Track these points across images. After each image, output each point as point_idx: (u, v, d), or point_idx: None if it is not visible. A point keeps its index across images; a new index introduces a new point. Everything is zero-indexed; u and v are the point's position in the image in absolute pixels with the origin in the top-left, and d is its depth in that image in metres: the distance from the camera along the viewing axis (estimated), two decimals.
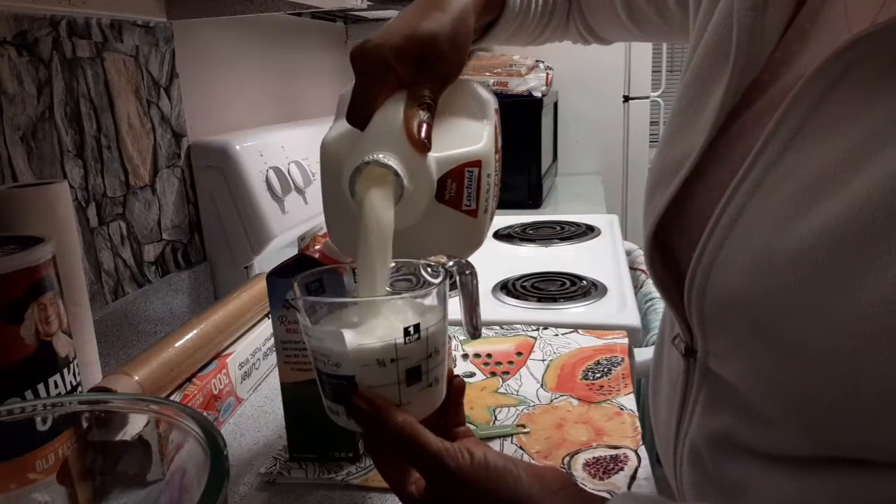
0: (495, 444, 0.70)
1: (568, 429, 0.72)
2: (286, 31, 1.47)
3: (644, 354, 0.92)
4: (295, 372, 0.65)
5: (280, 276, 0.64)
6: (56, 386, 0.56)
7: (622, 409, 0.75)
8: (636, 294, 1.23)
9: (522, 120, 1.78)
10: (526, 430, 0.72)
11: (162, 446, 0.41)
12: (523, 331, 0.97)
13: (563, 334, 0.95)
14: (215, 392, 0.75)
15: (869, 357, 0.34)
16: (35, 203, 0.67)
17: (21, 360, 0.53)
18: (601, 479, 0.63)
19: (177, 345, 0.74)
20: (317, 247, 0.65)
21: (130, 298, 0.97)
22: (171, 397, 0.70)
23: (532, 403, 0.77)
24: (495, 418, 0.75)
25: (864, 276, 0.34)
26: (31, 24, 0.80)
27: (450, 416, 0.49)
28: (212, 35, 1.19)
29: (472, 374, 0.85)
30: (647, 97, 2.31)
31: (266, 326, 0.89)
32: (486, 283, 1.16)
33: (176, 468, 0.40)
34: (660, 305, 1.21)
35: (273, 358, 0.90)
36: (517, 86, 1.77)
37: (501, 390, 0.81)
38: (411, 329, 0.42)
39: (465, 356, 0.90)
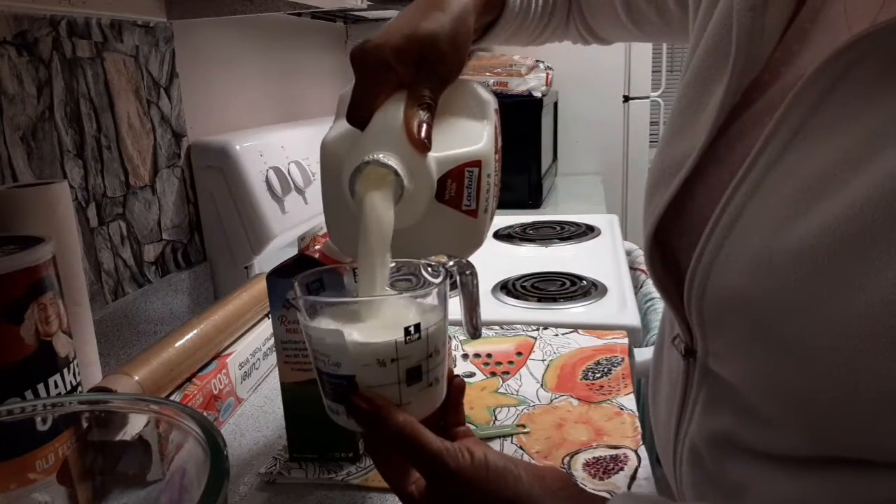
0: (495, 444, 0.70)
1: (568, 429, 0.72)
2: (286, 31, 1.47)
3: (644, 354, 0.92)
4: (295, 372, 0.65)
5: (280, 276, 0.64)
6: (56, 386, 0.56)
7: (622, 409, 0.75)
8: (636, 294, 1.23)
9: (522, 120, 1.78)
10: (526, 430, 0.72)
11: (162, 446, 0.41)
12: (523, 331, 0.97)
13: (563, 334, 0.95)
14: (215, 392, 0.75)
15: (869, 357, 0.34)
16: (35, 203, 0.67)
17: (21, 360, 0.53)
18: (601, 479, 0.63)
19: (177, 345, 0.74)
20: (317, 247, 0.65)
21: (130, 298, 0.97)
22: (171, 397, 0.70)
23: (532, 403, 0.77)
24: (495, 418, 0.75)
25: (864, 276, 0.34)
26: (31, 24, 0.80)
27: (450, 415, 0.49)
28: (212, 35, 1.19)
29: (472, 374, 0.85)
30: (647, 97, 2.31)
31: (266, 326, 0.89)
32: (486, 283, 1.16)
33: (176, 468, 0.40)
34: (660, 305, 1.21)
35: (273, 358, 0.90)
36: (517, 86, 1.77)
37: (501, 390, 0.81)
38: (412, 329, 0.42)
39: (465, 356, 0.90)
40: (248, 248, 1.15)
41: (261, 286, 0.90)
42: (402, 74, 0.51)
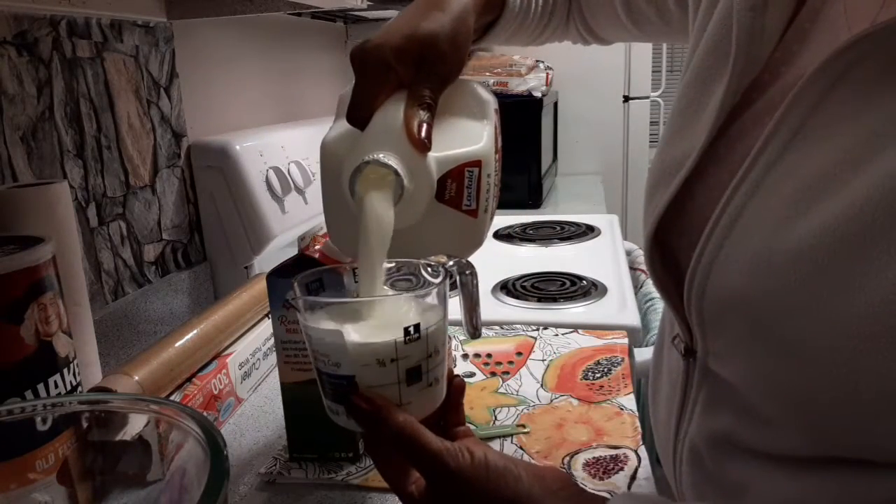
0: (495, 444, 0.70)
1: (568, 429, 0.72)
2: (286, 31, 1.47)
3: (644, 354, 0.92)
4: (295, 372, 0.65)
5: (280, 276, 0.64)
6: (56, 386, 0.56)
7: (622, 409, 0.75)
8: (636, 294, 1.23)
9: (522, 120, 1.78)
10: (526, 430, 0.72)
11: (162, 446, 0.41)
12: (523, 331, 0.97)
13: (563, 334, 0.95)
14: (215, 392, 0.75)
15: (869, 357, 0.34)
16: (35, 203, 0.67)
17: (21, 360, 0.53)
18: (601, 479, 0.63)
19: (177, 345, 0.74)
20: (317, 247, 0.65)
21: (130, 298, 0.97)
22: (171, 397, 0.70)
23: (532, 403, 0.77)
24: (495, 418, 0.75)
25: (863, 276, 0.34)
26: (31, 24, 0.80)
27: (450, 415, 0.49)
28: (212, 35, 1.19)
29: (472, 374, 0.85)
30: (647, 97, 2.31)
31: (266, 326, 0.89)
32: (486, 283, 1.16)
33: (176, 468, 0.40)
34: (660, 305, 1.21)
35: (273, 358, 0.90)
36: (517, 86, 1.77)
37: (501, 390, 0.81)
38: (411, 329, 0.42)
39: (465, 356, 0.90)
40: (248, 248, 1.15)
41: (261, 286, 0.90)
42: (402, 74, 0.51)
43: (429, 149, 0.49)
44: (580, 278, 1.17)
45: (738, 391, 0.43)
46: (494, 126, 0.54)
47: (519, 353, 0.90)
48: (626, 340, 0.92)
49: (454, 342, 0.93)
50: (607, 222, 1.56)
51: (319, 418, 0.65)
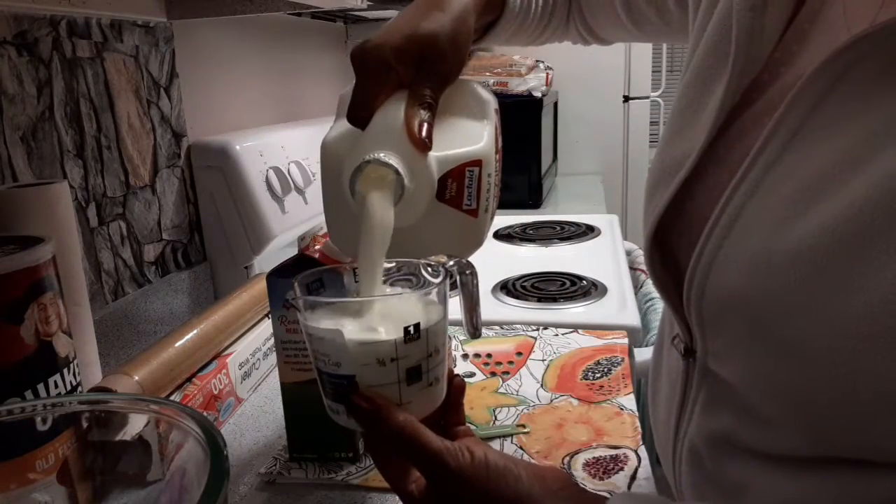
0: (495, 444, 0.70)
1: (568, 429, 0.72)
2: (286, 31, 1.47)
3: (644, 354, 0.92)
4: (295, 372, 0.65)
5: (280, 276, 0.64)
6: (56, 386, 0.56)
7: (622, 409, 0.75)
8: (636, 294, 1.23)
9: (522, 120, 1.78)
10: (526, 430, 0.72)
11: (162, 446, 0.41)
12: (523, 331, 0.97)
13: (563, 334, 0.95)
14: (215, 392, 0.75)
15: (868, 357, 0.34)
16: (35, 203, 0.67)
17: (21, 360, 0.53)
18: (601, 479, 0.63)
19: (177, 345, 0.74)
20: (317, 247, 0.65)
21: (130, 298, 0.97)
22: (171, 397, 0.70)
23: (532, 403, 0.77)
24: (495, 418, 0.75)
25: (862, 277, 0.34)
26: (31, 24, 0.80)
27: (450, 415, 0.49)
28: (212, 35, 1.19)
29: (472, 374, 0.85)
30: (647, 97, 2.31)
31: (266, 326, 0.89)
32: (486, 283, 1.16)
33: (176, 468, 0.40)
34: (660, 305, 1.21)
35: (273, 358, 0.90)
36: (517, 86, 1.77)
37: (501, 390, 0.81)
38: (411, 328, 0.42)
39: (465, 356, 0.90)
40: (248, 248, 1.15)
41: (261, 286, 0.90)
42: (402, 74, 0.51)
43: (429, 148, 0.49)
44: (580, 278, 1.17)
45: (738, 391, 0.43)
46: (495, 126, 0.54)
47: (519, 353, 0.90)
48: (626, 340, 0.92)
49: (454, 342, 0.94)
50: (607, 222, 1.56)
51: (319, 418, 0.65)
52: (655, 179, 0.50)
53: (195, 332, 0.77)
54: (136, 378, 0.67)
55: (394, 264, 0.48)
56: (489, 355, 0.90)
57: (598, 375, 0.83)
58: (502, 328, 0.98)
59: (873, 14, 0.38)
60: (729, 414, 0.45)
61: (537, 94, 1.78)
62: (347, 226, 0.51)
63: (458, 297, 0.51)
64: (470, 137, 0.52)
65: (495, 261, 1.32)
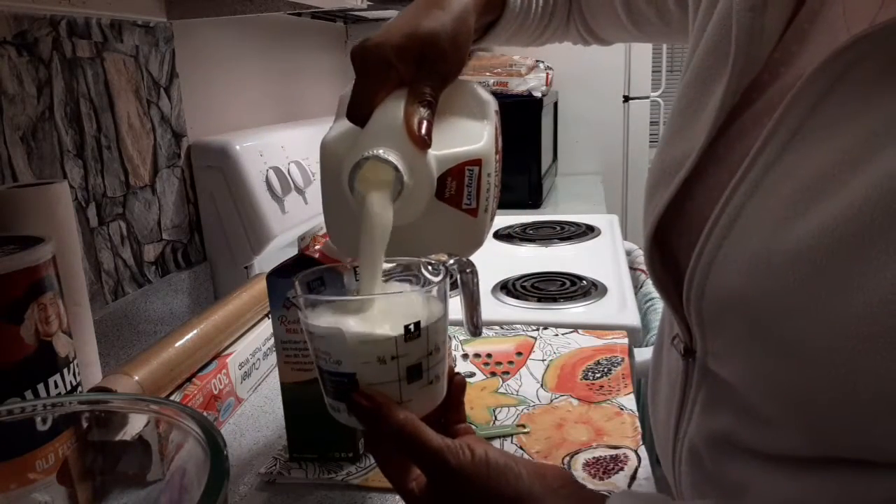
0: (495, 444, 0.70)
1: (568, 429, 0.72)
2: (286, 31, 1.47)
3: (644, 354, 0.92)
4: (295, 372, 0.65)
5: (280, 276, 0.64)
6: (56, 386, 0.56)
7: (622, 409, 0.75)
8: (636, 294, 1.23)
9: (522, 120, 1.78)
10: (526, 430, 0.72)
11: (162, 446, 0.41)
12: (523, 331, 0.97)
13: (563, 334, 0.95)
14: (215, 392, 0.75)
15: (867, 357, 0.34)
16: (35, 203, 0.67)
17: (21, 360, 0.53)
18: (601, 479, 0.63)
19: (177, 345, 0.74)
20: (317, 247, 0.65)
21: (130, 298, 0.97)
22: (171, 397, 0.70)
23: (532, 403, 0.77)
24: (495, 418, 0.75)
25: (862, 277, 0.34)
26: (31, 24, 0.80)
27: (450, 413, 0.49)
28: (212, 35, 1.19)
29: (472, 374, 0.85)
30: (647, 97, 2.31)
31: (266, 326, 0.89)
32: (486, 283, 1.16)
33: (176, 468, 0.40)
34: (660, 305, 1.21)
35: (273, 358, 0.90)
36: (517, 86, 1.77)
37: (501, 390, 0.81)
38: (412, 327, 0.42)
39: (465, 356, 0.90)
40: (248, 248, 1.15)
41: (261, 286, 0.90)
42: (402, 72, 0.51)
43: (429, 145, 0.49)
44: (580, 278, 1.17)
45: (738, 391, 0.43)
46: (495, 127, 0.54)
47: (519, 353, 0.90)
48: (626, 340, 0.92)
49: (454, 342, 0.94)
50: (607, 222, 1.56)
51: (319, 418, 0.65)
52: (655, 179, 0.50)
53: (195, 332, 0.77)
54: (136, 378, 0.67)
55: (394, 263, 0.48)
56: (489, 355, 0.90)
57: (598, 375, 0.83)
58: (502, 328, 0.98)
59: (873, 14, 0.38)
60: (729, 414, 0.45)
61: (537, 94, 1.78)
62: (347, 225, 0.51)
63: (458, 297, 0.51)
64: (470, 137, 0.52)
65: (495, 261, 1.32)
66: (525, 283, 1.16)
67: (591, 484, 0.62)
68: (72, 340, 0.59)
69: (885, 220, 0.33)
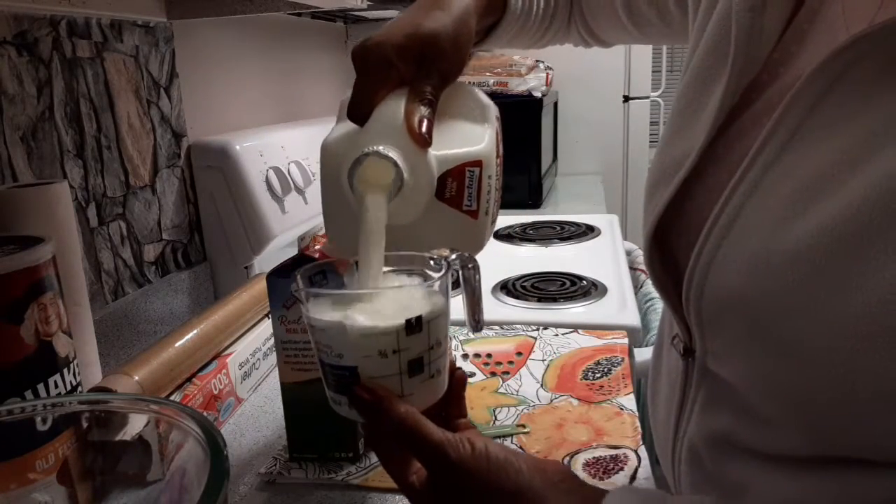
0: None
1: (568, 429, 0.72)
2: (286, 31, 1.47)
3: (644, 354, 0.92)
4: (295, 372, 0.65)
5: (280, 276, 0.64)
6: (56, 386, 0.56)
7: (622, 409, 0.75)
8: (636, 294, 1.23)
9: (522, 120, 1.78)
10: (526, 430, 0.72)
11: (162, 446, 0.42)
12: (523, 331, 0.97)
13: (563, 334, 0.95)
14: (215, 392, 0.75)
15: (866, 357, 0.34)
16: (35, 203, 0.67)
17: (21, 360, 0.53)
18: (601, 479, 0.63)
19: (177, 345, 0.74)
20: (317, 247, 0.65)
21: (130, 298, 0.97)
22: (171, 397, 0.70)
23: (532, 403, 0.77)
24: (495, 418, 0.75)
25: (861, 277, 0.34)
26: (31, 24, 0.80)
27: (451, 408, 0.49)
28: (212, 35, 1.19)
29: (472, 374, 0.85)
30: (647, 97, 2.31)
31: (266, 326, 0.89)
32: (486, 284, 1.16)
33: (176, 468, 0.40)
34: (660, 305, 1.21)
35: (273, 358, 0.90)
36: (517, 86, 1.77)
37: (501, 390, 0.81)
38: (413, 321, 0.43)
39: (465, 356, 0.90)
40: (248, 248, 1.15)
41: (261, 286, 0.90)
42: (403, 71, 0.51)
43: (429, 144, 0.49)
44: (580, 278, 1.17)
45: (737, 391, 0.43)
46: (496, 131, 0.54)
47: (519, 353, 0.90)
48: (626, 340, 0.92)
49: (454, 342, 0.94)
50: (607, 222, 1.56)
51: (319, 418, 0.65)
52: (655, 179, 0.50)
53: (195, 332, 0.77)
54: (136, 378, 0.67)
55: (396, 257, 0.48)
56: (489, 355, 0.90)
57: (598, 375, 0.83)
58: (502, 328, 0.98)
59: (872, 14, 0.38)
60: (728, 414, 0.45)
61: (537, 94, 1.78)
62: (347, 225, 0.51)
63: (460, 296, 0.51)
64: (471, 139, 0.52)
65: (495, 261, 1.32)
66: (525, 283, 1.16)
67: (591, 484, 0.62)
68: (72, 340, 0.59)
69: (884, 220, 0.33)
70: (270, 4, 1.04)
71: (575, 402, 0.77)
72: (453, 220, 0.52)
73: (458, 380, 0.49)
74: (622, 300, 1.08)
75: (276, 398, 0.79)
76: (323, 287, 0.47)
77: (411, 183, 0.48)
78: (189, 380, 0.74)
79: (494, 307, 1.08)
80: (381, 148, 0.47)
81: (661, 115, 2.43)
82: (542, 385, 0.81)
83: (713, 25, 0.47)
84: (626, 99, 2.30)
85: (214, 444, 0.36)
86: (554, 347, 0.91)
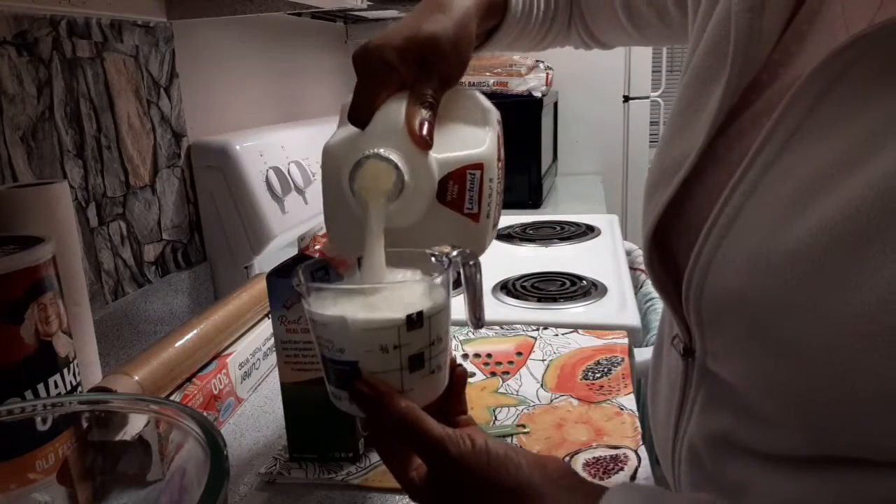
0: None
1: (568, 429, 0.72)
2: (286, 31, 1.47)
3: (644, 354, 0.92)
4: (295, 372, 0.65)
5: (280, 276, 0.64)
6: (56, 386, 0.56)
7: (622, 409, 0.75)
8: (636, 294, 1.23)
9: (522, 120, 1.78)
10: (526, 430, 0.72)
11: (162, 446, 0.42)
12: (523, 331, 0.97)
13: (563, 334, 0.95)
14: (215, 392, 0.75)
15: (865, 356, 0.34)
16: (35, 203, 0.67)
17: (21, 360, 0.53)
18: (601, 479, 0.63)
19: (177, 345, 0.74)
20: (317, 247, 0.65)
21: (130, 298, 0.97)
22: (171, 397, 0.70)
23: (532, 403, 0.77)
24: (495, 418, 0.75)
25: (859, 276, 0.34)
26: (31, 24, 0.80)
27: (452, 404, 0.49)
28: (212, 35, 1.19)
29: (472, 375, 0.85)
30: (647, 97, 2.31)
31: (266, 326, 0.89)
32: (486, 284, 1.16)
33: (176, 468, 0.40)
34: (660, 305, 1.21)
35: (273, 358, 0.90)
36: (517, 86, 1.77)
37: (501, 390, 0.81)
38: (414, 316, 0.43)
39: (465, 356, 0.90)
40: (248, 248, 1.15)
41: (261, 286, 0.90)
42: (403, 74, 0.51)
43: (430, 146, 0.49)
44: (580, 278, 1.17)
45: (737, 391, 0.43)
46: (497, 135, 0.54)
47: (519, 353, 0.90)
48: (626, 340, 0.92)
49: (454, 342, 0.94)
50: (607, 222, 1.56)
51: (319, 418, 0.65)
52: (655, 179, 0.50)
53: (195, 332, 0.77)
54: (136, 378, 0.67)
55: (398, 254, 0.48)
56: (489, 355, 0.90)
57: (598, 375, 0.83)
58: (502, 328, 0.98)
59: (871, 14, 0.38)
60: (728, 414, 0.45)
61: (537, 94, 1.78)
62: (348, 227, 0.51)
63: (461, 296, 0.51)
64: (472, 142, 0.52)
65: (495, 261, 1.32)
66: (525, 283, 1.16)
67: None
68: (72, 340, 0.59)
69: (883, 219, 0.33)
70: (270, 4, 1.04)
71: (575, 402, 0.77)
72: (455, 223, 0.52)
73: (459, 376, 0.49)
74: (622, 300, 1.08)
75: (276, 398, 0.79)
76: (325, 283, 0.47)
77: (412, 185, 0.48)
78: (189, 380, 0.74)
79: (494, 307, 1.08)
80: (381, 150, 0.47)
81: (661, 115, 2.43)
82: (542, 385, 0.82)
83: (713, 26, 0.47)
84: (626, 99, 2.30)
85: (214, 444, 0.36)
86: (554, 347, 0.91)
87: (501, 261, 1.33)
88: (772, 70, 0.44)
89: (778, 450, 0.42)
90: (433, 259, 0.47)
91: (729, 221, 0.41)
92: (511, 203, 1.77)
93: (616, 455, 0.66)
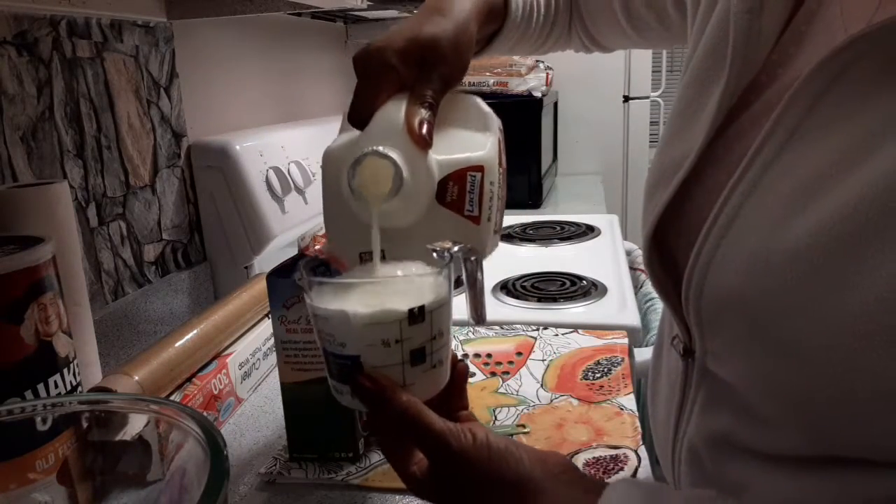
0: None
1: (568, 429, 0.72)
2: (286, 31, 1.48)
3: (644, 354, 0.92)
4: (295, 372, 0.65)
5: (280, 276, 0.64)
6: (56, 386, 0.56)
7: (622, 409, 0.75)
8: (636, 294, 1.23)
9: (522, 120, 1.78)
10: (526, 430, 0.72)
11: (162, 446, 0.42)
12: (523, 331, 0.97)
13: (563, 334, 0.95)
14: (215, 392, 0.75)
15: (864, 356, 0.34)
16: (35, 203, 0.67)
17: (21, 360, 0.53)
18: (601, 479, 0.63)
19: (177, 345, 0.74)
20: (317, 247, 0.65)
21: (130, 298, 0.97)
22: (171, 397, 0.70)
23: (532, 403, 0.77)
24: (495, 418, 0.75)
25: (858, 275, 0.34)
26: (31, 24, 0.80)
27: (453, 399, 0.49)
28: (212, 35, 1.19)
29: (472, 375, 0.85)
30: (647, 97, 2.31)
31: (266, 326, 0.89)
32: (486, 283, 1.16)
33: (176, 468, 0.40)
34: (660, 305, 1.21)
35: (273, 358, 0.90)
36: (517, 86, 1.78)
37: (501, 390, 0.81)
38: (416, 310, 0.43)
39: (465, 356, 0.90)
40: (248, 248, 1.15)
41: (261, 286, 0.90)
42: (403, 75, 0.51)
43: (429, 145, 0.49)
44: (580, 278, 1.17)
45: (737, 391, 0.43)
46: (498, 139, 0.54)
47: (519, 353, 0.90)
48: (626, 340, 0.92)
49: (454, 343, 0.94)
50: (607, 222, 1.56)
51: (319, 418, 0.65)
52: (654, 180, 0.50)
53: (195, 332, 0.77)
54: (136, 378, 0.67)
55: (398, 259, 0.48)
56: (489, 355, 0.90)
57: (598, 375, 0.83)
58: (502, 328, 0.98)
59: (870, 14, 0.38)
60: (728, 414, 0.45)
61: (537, 94, 1.78)
62: (348, 228, 0.51)
63: (462, 295, 0.51)
64: (473, 145, 0.52)
65: (495, 261, 1.32)
66: (525, 283, 1.16)
67: None
68: (72, 340, 0.59)
69: (881, 218, 0.34)
70: (270, 4, 1.04)
71: (575, 402, 0.77)
72: (455, 225, 0.52)
73: (460, 371, 0.49)
74: (622, 300, 1.08)
75: (276, 398, 0.79)
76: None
77: (411, 183, 0.48)
78: (189, 380, 0.74)
79: (495, 307, 1.08)
80: (380, 147, 0.47)
81: (661, 115, 2.43)
82: (542, 385, 0.82)
83: (712, 27, 0.47)
84: (626, 99, 2.30)
85: (214, 444, 0.36)
86: (554, 347, 0.91)
87: (501, 261, 1.33)
88: (770, 71, 0.44)
89: (778, 450, 0.42)
90: (434, 254, 0.47)
91: (728, 221, 0.41)
92: (511, 203, 1.76)
93: (616, 455, 0.66)
